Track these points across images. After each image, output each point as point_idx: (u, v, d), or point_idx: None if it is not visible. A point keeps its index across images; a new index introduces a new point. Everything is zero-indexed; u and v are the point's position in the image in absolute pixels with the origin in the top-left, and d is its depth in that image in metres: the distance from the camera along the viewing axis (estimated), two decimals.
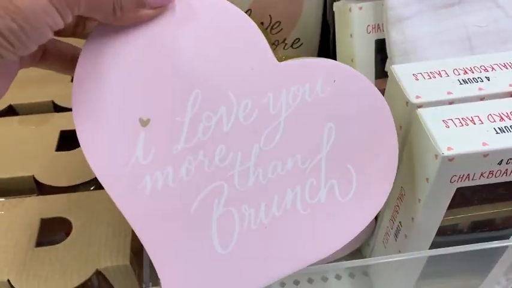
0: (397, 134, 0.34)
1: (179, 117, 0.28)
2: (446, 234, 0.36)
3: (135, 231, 0.29)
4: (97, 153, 0.28)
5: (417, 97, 0.32)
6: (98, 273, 0.36)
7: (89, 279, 0.36)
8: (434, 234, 0.35)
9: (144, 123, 0.28)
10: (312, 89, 0.30)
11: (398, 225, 0.37)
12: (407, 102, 0.32)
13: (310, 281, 0.46)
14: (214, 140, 0.29)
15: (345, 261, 0.41)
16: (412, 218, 0.34)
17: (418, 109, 0.31)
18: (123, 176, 0.28)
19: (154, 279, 0.35)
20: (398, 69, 0.34)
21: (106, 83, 0.27)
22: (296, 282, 0.46)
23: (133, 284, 0.37)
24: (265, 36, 0.46)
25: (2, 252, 0.37)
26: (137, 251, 0.38)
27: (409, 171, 0.34)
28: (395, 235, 0.38)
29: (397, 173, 0.36)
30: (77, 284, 0.35)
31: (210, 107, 0.28)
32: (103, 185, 0.28)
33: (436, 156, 0.29)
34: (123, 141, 0.28)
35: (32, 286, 0.35)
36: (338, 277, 0.46)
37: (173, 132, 0.28)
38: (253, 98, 0.29)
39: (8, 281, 0.35)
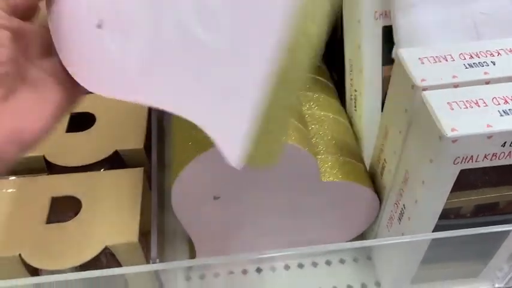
0: (402, 117, 0.35)
1: None
2: (449, 218, 0.37)
3: None
4: None
5: (422, 80, 0.32)
6: (107, 250, 0.37)
7: (98, 256, 0.36)
8: (438, 217, 0.35)
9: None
10: None
11: (402, 209, 0.38)
12: (413, 86, 0.32)
13: (314, 264, 0.47)
14: None
15: (348, 242, 0.42)
16: (416, 201, 0.35)
17: (423, 91, 0.32)
18: None
19: (161, 257, 0.36)
20: (404, 53, 0.34)
21: None
22: (300, 266, 0.46)
23: (141, 261, 0.38)
24: None
25: (13, 228, 0.38)
26: (145, 232, 0.39)
27: (414, 154, 0.34)
28: (399, 218, 0.39)
29: (401, 157, 0.37)
30: (86, 260, 0.36)
31: None
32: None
33: (440, 137, 0.29)
34: None
35: (42, 261, 0.36)
36: (342, 261, 0.47)
37: None
38: None
39: (20, 255, 0.36)
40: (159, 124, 0.46)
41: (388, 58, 0.43)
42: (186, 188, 0.37)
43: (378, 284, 0.46)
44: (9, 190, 0.40)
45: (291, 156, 0.36)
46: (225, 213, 0.40)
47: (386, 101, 0.39)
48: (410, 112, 0.34)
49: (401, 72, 0.34)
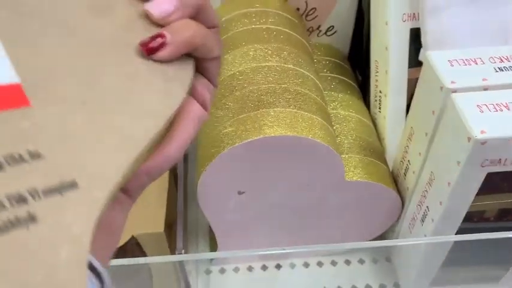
0: (429, 119, 0.35)
1: None
2: (472, 221, 0.37)
3: None
4: None
5: (452, 82, 0.32)
6: (133, 240, 0.38)
7: (124, 246, 0.37)
8: (462, 219, 0.36)
9: None
10: None
11: (425, 210, 0.38)
12: (442, 88, 0.33)
13: (333, 263, 0.47)
14: None
15: (368, 242, 0.42)
16: (440, 202, 0.35)
17: (453, 93, 0.32)
18: None
19: (186, 248, 0.37)
20: (433, 56, 0.35)
21: None
22: (320, 264, 0.47)
23: (165, 253, 0.39)
24: (300, 22, 0.47)
25: None
26: (169, 224, 0.40)
27: (441, 156, 0.34)
28: (422, 220, 0.39)
29: (427, 158, 0.37)
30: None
31: None
32: None
33: (469, 139, 0.30)
34: None
35: None
36: (361, 261, 0.47)
37: None
38: None
39: None
40: None
41: (414, 60, 0.43)
42: (212, 182, 0.37)
43: (396, 285, 0.46)
44: None
45: (317, 154, 0.36)
46: (249, 209, 0.41)
47: (412, 103, 0.40)
48: (438, 114, 0.34)
49: (430, 74, 0.34)
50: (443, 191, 0.34)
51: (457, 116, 0.31)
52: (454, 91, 0.32)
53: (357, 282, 0.46)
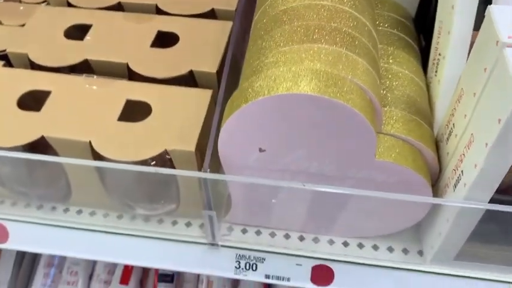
0: (480, 78, 0.33)
1: None
2: (508, 193, 0.35)
3: None
4: None
5: (509, 37, 0.30)
6: (166, 155, 0.40)
7: (157, 157, 0.39)
8: (496, 186, 0.34)
9: None
10: None
11: (459, 175, 0.36)
12: (498, 42, 0.31)
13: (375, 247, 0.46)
14: None
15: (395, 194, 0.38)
16: (476, 165, 0.33)
17: (507, 48, 0.30)
18: None
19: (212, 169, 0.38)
20: (496, 9, 0.32)
21: None
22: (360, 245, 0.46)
23: (193, 169, 0.40)
24: None
25: (87, 119, 0.41)
26: (201, 150, 0.41)
27: (483, 116, 0.33)
28: (455, 185, 0.37)
29: (471, 120, 0.35)
30: (146, 157, 0.39)
31: None
32: None
33: None
34: None
35: (108, 150, 0.39)
36: None
37: None
38: None
39: (90, 142, 0.40)
40: (233, 56, 0.46)
41: (481, 23, 0.41)
42: (233, 135, 0.36)
43: (420, 253, 0.45)
44: (93, 87, 0.44)
45: (346, 118, 0.34)
46: (268, 170, 0.39)
47: (467, 62, 0.38)
48: (489, 71, 0.32)
49: (489, 28, 0.32)
50: (480, 153, 0.33)
51: (506, 71, 0.29)
52: (510, 46, 0.30)
53: (380, 241, 0.45)
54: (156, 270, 0.73)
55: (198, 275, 0.74)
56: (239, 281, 0.73)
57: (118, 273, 0.73)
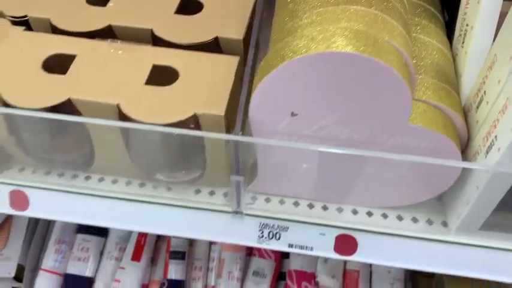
0: None
1: None
2: None
3: None
4: None
5: None
6: (194, 118, 0.39)
7: (186, 121, 0.39)
8: None
9: None
10: None
11: (493, 140, 0.36)
12: None
13: None
14: None
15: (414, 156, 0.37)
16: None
17: None
18: None
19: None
20: None
21: None
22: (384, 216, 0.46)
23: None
24: None
25: (114, 82, 0.41)
26: (229, 116, 0.40)
27: None
28: (487, 152, 0.37)
29: (505, 84, 0.35)
30: (174, 121, 0.38)
31: None
32: None
33: None
34: None
35: (137, 112, 0.39)
36: None
37: None
38: None
39: (118, 105, 0.39)
40: (260, 22, 0.46)
41: None
42: (267, 97, 0.36)
43: (444, 224, 0.45)
44: (119, 52, 0.44)
45: (385, 79, 0.33)
46: (296, 137, 0.39)
47: (501, 29, 0.37)
48: None
49: None
50: None
51: None
52: None
53: (404, 212, 0.45)
54: (168, 247, 0.73)
55: (209, 253, 0.74)
56: (251, 258, 0.73)
57: (129, 250, 0.73)
